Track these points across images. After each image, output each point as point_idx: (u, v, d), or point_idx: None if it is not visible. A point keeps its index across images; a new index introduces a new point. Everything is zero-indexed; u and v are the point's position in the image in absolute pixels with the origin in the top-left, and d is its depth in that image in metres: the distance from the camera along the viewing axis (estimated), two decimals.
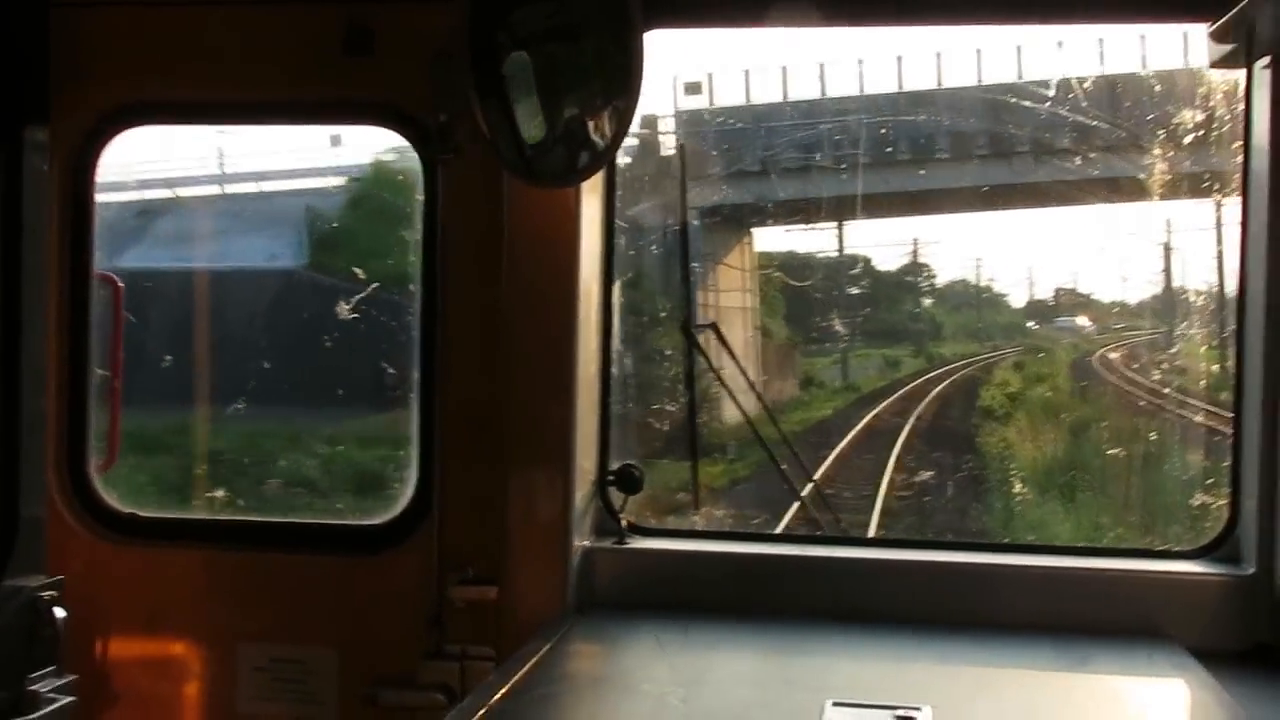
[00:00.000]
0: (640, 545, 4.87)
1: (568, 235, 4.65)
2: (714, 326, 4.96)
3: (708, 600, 4.68)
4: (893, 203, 11.88)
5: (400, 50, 4.75)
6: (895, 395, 19.36)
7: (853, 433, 15.08)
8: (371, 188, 6.72)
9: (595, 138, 4.21)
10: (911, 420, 17.23)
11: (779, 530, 6.16)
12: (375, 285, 5.29)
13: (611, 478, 4.90)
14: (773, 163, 10.01)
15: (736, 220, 11.74)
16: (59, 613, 4.21)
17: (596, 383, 4.90)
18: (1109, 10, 4.62)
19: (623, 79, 4.12)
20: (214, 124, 5.55)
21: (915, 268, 20.93)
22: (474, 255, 4.77)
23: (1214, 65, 4.52)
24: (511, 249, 4.69)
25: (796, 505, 5.55)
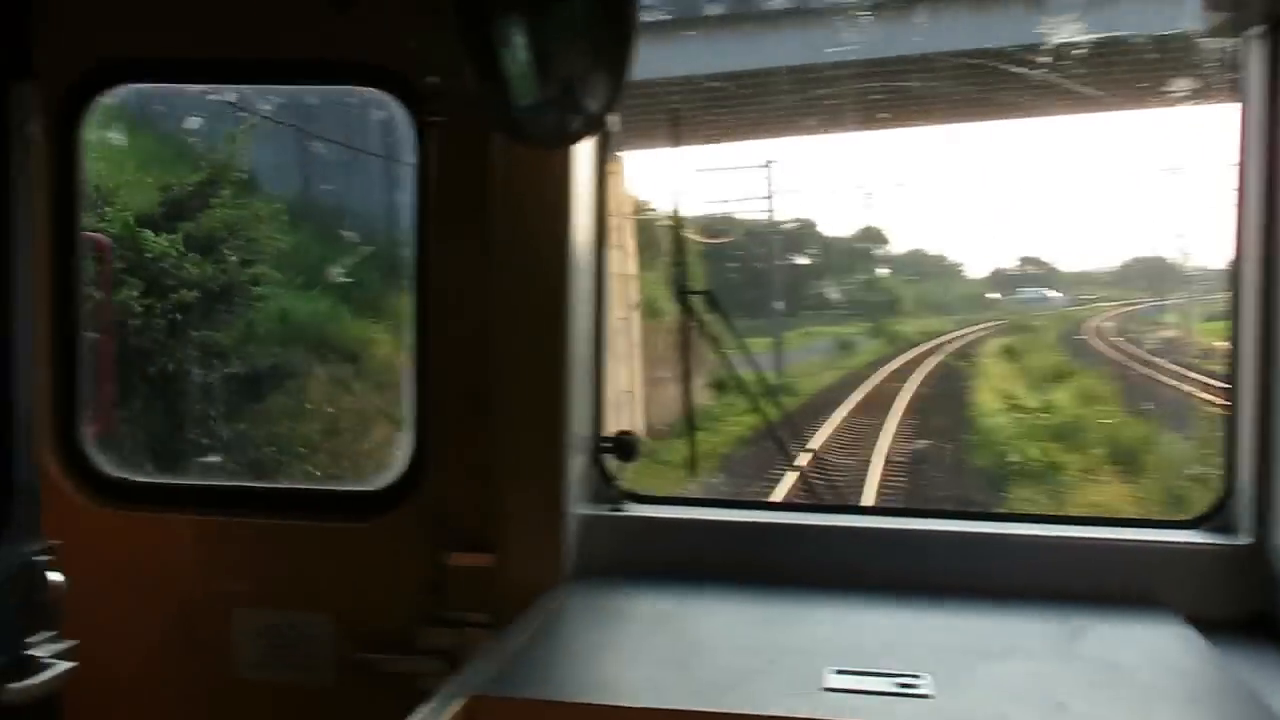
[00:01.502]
0: (637, 512, 4.88)
1: (560, 200, 4.62)
2: (709, 294, 4.94)
3: (706, 567, 4.70)
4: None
5: (389, 9, 4.69)
6: (849, 403, 15.02)
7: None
8: None
9: (588, 100, 4.17)
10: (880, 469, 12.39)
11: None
12: None
13: (608, 444, 4.90)
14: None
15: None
16: (55, 577, 4.21)
17: (590, 351, 4.89)
18: None
19: (616, 40, 4.06)
20: (200, 83, 5.51)
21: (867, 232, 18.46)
22: (465, 220, 4.73)
23: (1207, 34, 4.48)
24: (502, 214, 4.66)
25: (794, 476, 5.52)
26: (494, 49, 4.09)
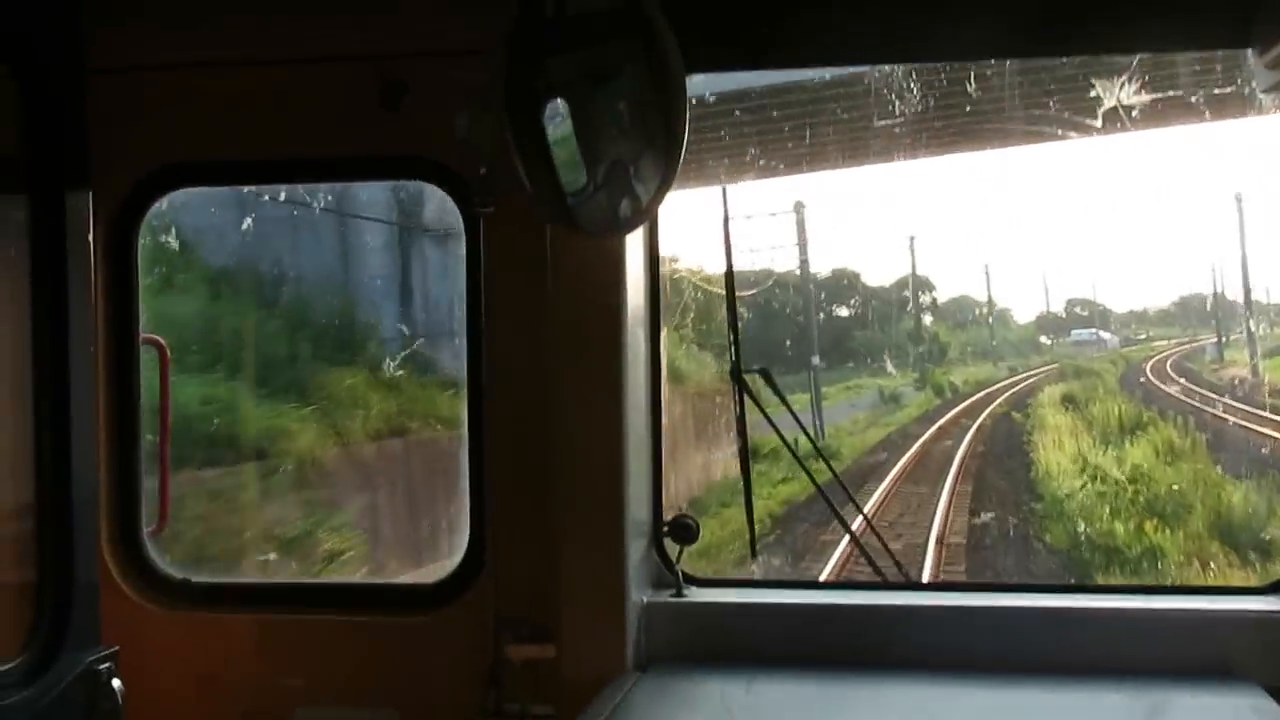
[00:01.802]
0: (698, 597, 4.79)
1: (613, 284, 4.61)
2: (764, 371, 4.89)
3: (769, 651, 4.59)
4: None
5: (437, 105, 4.74)
6: (898, 472, 13.47)
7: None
8: None
9: (637, 185, 4.17)
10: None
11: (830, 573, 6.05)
12: None
13: (666, 528, 4.82)
14: None
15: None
16: (117, 684, 4.18)
17: (647, 433, 4.84)
18: (1161, 38, 4.54)
19: (664, 125, 4.08)
20: (255, 184, 5.57)
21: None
22: (519, 308, 4.73)
23: (1265, 90, 4.44)
24: (556, 301, 4.65)
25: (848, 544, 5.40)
26: (542, 136, 4.12)
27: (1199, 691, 4.12)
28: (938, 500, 12.21)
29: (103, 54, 4.30)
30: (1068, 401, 16.04)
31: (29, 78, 4.09)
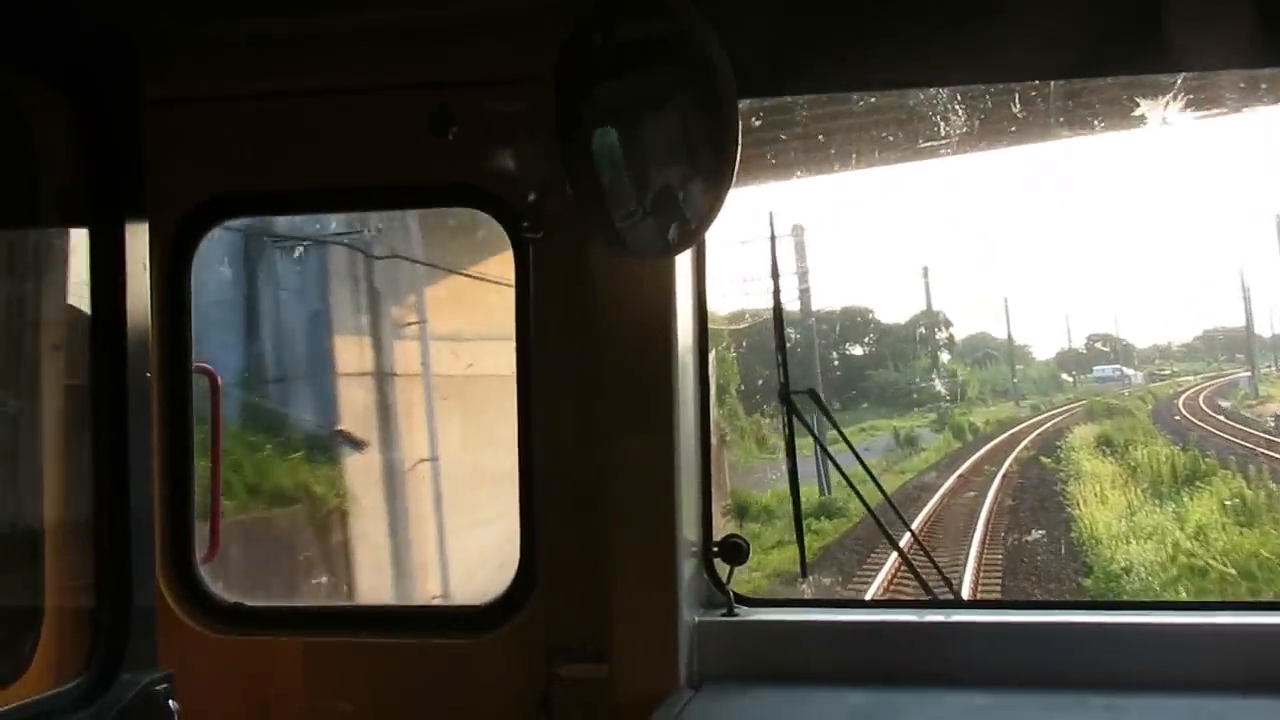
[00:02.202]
0: (749, 617, 4.80)
1: (662, 308, 4.64)
2: (813, 393, 4.90)
3: (821, 670, 4.59)
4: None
5: (485, 132, 4.80)
6: (918, 530, 9.81)
7: None
8: None
9: (686, 209, 4.20)
10: None
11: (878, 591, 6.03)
12: None
13: (716, 548, 4.84)
14: None
15: None
16: (173, 705, 4.22)
17: (696, 454, 4.86)
18: (1206, 56, 4.53)
19: (713, 149, 4.11)
20: (306, 212, 5.63)
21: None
22: (569, 332, 4.77)
23: None
24: (607, 324, 4.68)
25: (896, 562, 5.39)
26: (592, 161, 4.16)
27: (1255, 707, 4.09)
28: (960, 574, 9.59)
29: (156, 86, 4.38)
30: (1103, 444, 13.65)
31: (87, 109, 4.18)
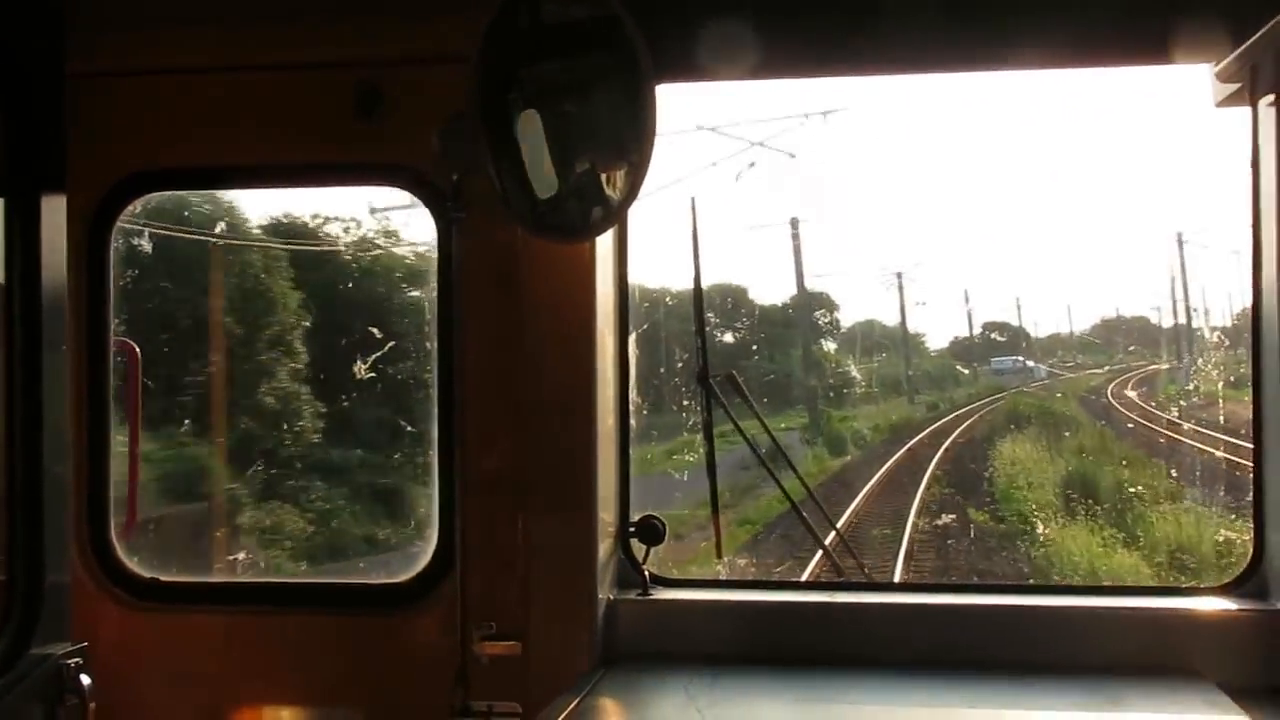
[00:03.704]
0: (664, 596, 4.87)
1: (584, 289, 4.68)
2: (731, 377, 4.97)
3: (734, 650, 4.67)
4: None
5: (411, 112, 4.80)
6: None
7: None
8: None
9: (609, 191, 4.25)
10: None
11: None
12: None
13: (632, 529, 4.90)
14: None
15: None
16: (85, 680, 4.21)
17: (615, 435, 4.92)
18: (1113, 54, 4.66)
19: (635, 132, 4.16)
20: (228, 189, 5.61)
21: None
22: (490, 312, 4.80)
23: (1219, 104, 4.58)
24: (528, 305, 4.72)
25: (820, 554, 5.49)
26: (515, 145, 4.20)
27: (1155, 687, 4.23)
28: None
29: (78, 59, 4.34)
30: (1072, 480, 9.96)
31: (7, 82, 4.13)
